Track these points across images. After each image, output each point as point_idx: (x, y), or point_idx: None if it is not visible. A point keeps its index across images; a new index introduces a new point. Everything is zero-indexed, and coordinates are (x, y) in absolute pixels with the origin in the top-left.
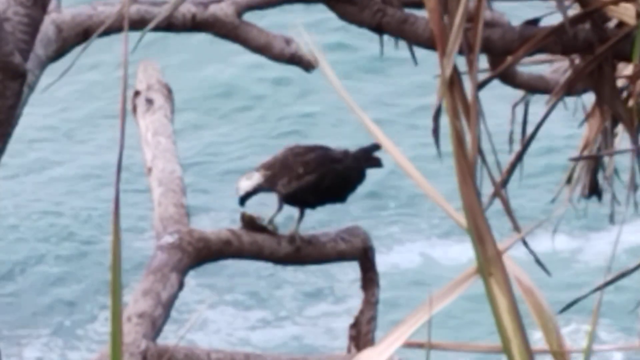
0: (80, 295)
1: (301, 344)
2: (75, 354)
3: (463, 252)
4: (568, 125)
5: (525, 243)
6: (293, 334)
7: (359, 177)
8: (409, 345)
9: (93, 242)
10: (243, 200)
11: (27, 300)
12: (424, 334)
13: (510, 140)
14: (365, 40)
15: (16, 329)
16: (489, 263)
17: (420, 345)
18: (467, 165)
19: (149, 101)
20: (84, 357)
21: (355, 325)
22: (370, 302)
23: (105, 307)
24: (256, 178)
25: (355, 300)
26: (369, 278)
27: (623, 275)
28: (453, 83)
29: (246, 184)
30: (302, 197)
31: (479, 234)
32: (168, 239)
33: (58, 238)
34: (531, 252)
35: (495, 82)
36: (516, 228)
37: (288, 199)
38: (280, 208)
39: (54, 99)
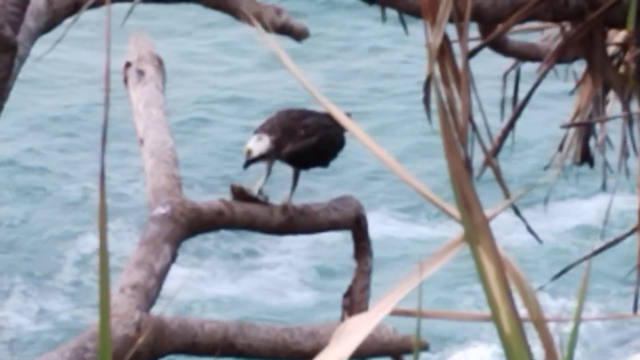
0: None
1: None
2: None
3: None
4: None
5: (516, 209)
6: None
7: (342, 143)
8: (398, 313)
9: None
10: (249, 163)
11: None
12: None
13: (502, 109)
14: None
15: None
16: (476, 231)
17: (409, 314)
18: (458, 131)
19: (140, 72)
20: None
21: (348, 294)
22: (364, 271)
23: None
24: (266, 142)
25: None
26: (362, 247)
27: (612, 244)
28: (443, 52)
29: (258, 146)
30: (302, 158)
31: (466, 200)
32: (160, 210)
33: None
34: (522, 219)
35: (488, 52)
36: (506, 194)
37: (290, 157)
38: (268, 175)
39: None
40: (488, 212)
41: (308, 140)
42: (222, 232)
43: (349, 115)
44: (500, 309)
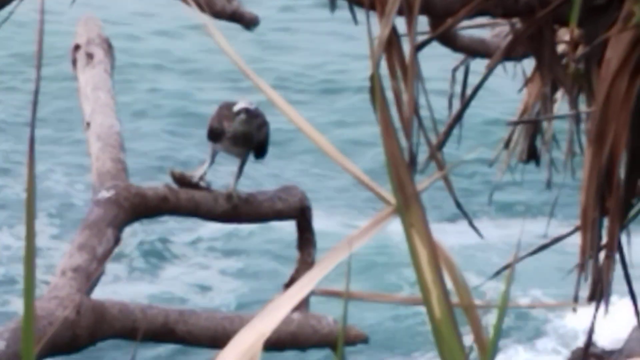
0: None
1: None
2: None
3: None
4: (507, 91)
5: (446, 181)
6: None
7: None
8: (323, 293)
9: None
10: (249, 113)
11: None
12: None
13: (450, 104)
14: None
15: None
16: (409, 211)
17: (335, 294)
18: (403, 124)
19: (89, 55)
20: None
21: (289, 284)
22: (307, 262)
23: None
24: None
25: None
26: (306, 238)
27: (556, 240)
28: (391, 44)
29: (247, 102)
30: (264, 146)
31: (400, 180)
32: (105, 194)
33: None
34: (464, 212)
35: (439, 49)
36: (448, 187)
37: (259, 146)
38: (211, 163)
39: None
40: (420, 185)
41: (265, 128)
42: (136, 225)
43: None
44: (431, 292)
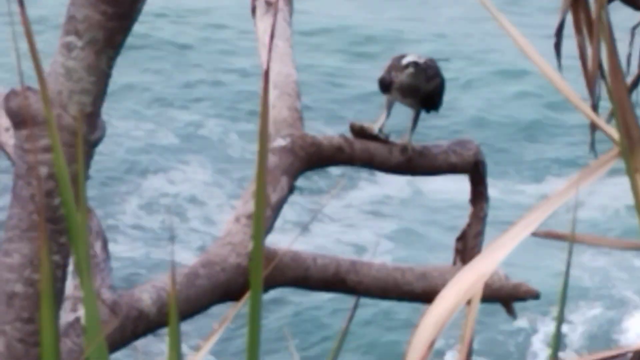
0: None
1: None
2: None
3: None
4: None
5: None
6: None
7: None
8: (547, 235)
9: None
10: (415, 67)
11: None
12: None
13: (628, 63)
14: None
15: None
16: (634, 154)
17: (560, 237)
18: (587, 79)
19: (268, 3)
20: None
21: (461, 238)
22: (478, 217)
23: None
24: (423, 60)
25: None
26: (479, 192)
27: None
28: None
29: (420, 59)
30: (434, 98)
31: (626, 123)
32: (280, 141)
33: None
34: None
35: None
36: None
37: (426, 97)
38: (388, 115)
39: None
40: None
41: (436, 80)
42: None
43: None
44: None
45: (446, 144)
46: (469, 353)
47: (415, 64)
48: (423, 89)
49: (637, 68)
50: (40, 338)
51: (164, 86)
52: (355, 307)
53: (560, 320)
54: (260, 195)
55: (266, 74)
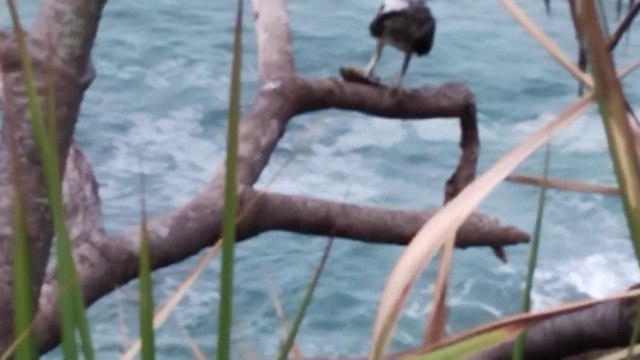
0: None
1: None
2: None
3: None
4: None
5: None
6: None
7: None
8: (519, 179)
9: None
10: (381, 20)
11: None
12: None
13: (618, 7)
14: None
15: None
16: (608, 98)
17: (531, 181)
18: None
19: None
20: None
21: (452, 182)
22: (469, 160)
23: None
24: (404, 4)
25: None
26: (469, 135)
27: None
28: None
29: (394, 3)
30: (427, 42)
31: (598, 62)
32: (270, 85)
33: None
34: (628, 108)
35: None
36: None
37: (418, 42)
38: (378, 57)
39: None
40: (620, 72)
41: (429, 23)
42: None
43: None
44: (627, 182)
45: (437, 87)
46: (443, 295)
47: (394, 15)
48: (415, 34)
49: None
50: (13, 279)
51: (150, 32)
52: (327, 250)
53: (532, 266)
54: (232, 139)
55: (238, 15)
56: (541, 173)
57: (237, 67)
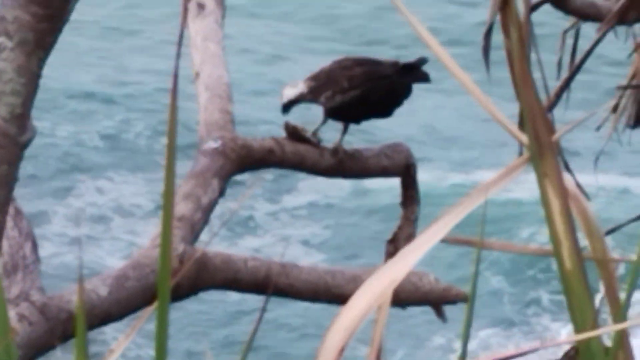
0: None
1: None
2: None
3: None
4: (618, 54)
5: (565, 163)
6: None
7: (406, 92)
8: (456, 241)
9: None
10: (286, 108)
11: None
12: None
13: (559, 67)
14: None
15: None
16: (543, 160)
17: (468, 243)
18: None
19: (200, 6)
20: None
21: (392, 241)
22: (409, 219)
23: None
24: (300, 87)
25: None
26: (410, 195)
27: None
28: (507, 2)
29: (290, 92)
30: (345, 112)
31: (534, 124)
32: (211, 144)
33: None
34: (570, 171)
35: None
36: (560, 156)
37: (331, 112)
38: (324, 121)
39: None
40: (556, 135)
41: (350, 93)
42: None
43: (425, 61)
44: (562, 243)
45: (378, 147)
46: (379, 356)
47: (290, 103)
48: (327, 105)
49: (567, 71)
50: None
51: (91, 86)
52: (264, 310)
53: (469, 322)
54: (168, 201)
55: (175, 78)
56: (477, 233)
57: (173, 127)
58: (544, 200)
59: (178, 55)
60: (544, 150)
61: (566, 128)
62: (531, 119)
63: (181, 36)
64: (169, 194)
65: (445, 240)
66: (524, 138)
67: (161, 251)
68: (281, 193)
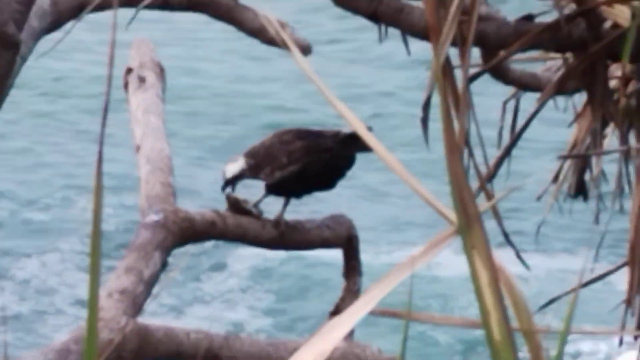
0: None
1: None
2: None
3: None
4: (558, 125)
5: (505, 234)
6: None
7: (348, 164)
8: (384, 313)
9: None
10: (226, 185)
11: None
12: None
13: (500, 136)
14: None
15: None
16: (471, 232)
17: (396, 315)
18: (456, 135)
19: (141, 79)
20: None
21: (335, 312)
22: (352, 290)
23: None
24: (240, 164)
25: None
26: (352, 266)
27: (603, 276)
28: (445, 73)
29: (231, 169)
30: (285, 187)
31: (461, 195)
32: (153, 217)
33: None
34: (511, 244)
35: (490, 80)
36: (497, 217)
37: (271, 189)
38: (265, 195)
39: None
40: (482, 207)
41: (289, 168)
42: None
43: (369, 129)
44: (491, 315)
45: (320, 219)
46: None
47: (230, 181)
48: (269, 181)
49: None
50: None
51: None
52: None
53: None
54: (94, 274)
55: (100, 153)
56: (405, 305)
57: (98, 207)
58: (472, 272)
59: (102, 134)
60: (471, 223)
61: (500, 195)
62: (458, 190)
63: (106, 109)
64: (93, 289)
65: (373, 313)
66: (453, 216)
67: (87, 341)
68: (225, 258)
